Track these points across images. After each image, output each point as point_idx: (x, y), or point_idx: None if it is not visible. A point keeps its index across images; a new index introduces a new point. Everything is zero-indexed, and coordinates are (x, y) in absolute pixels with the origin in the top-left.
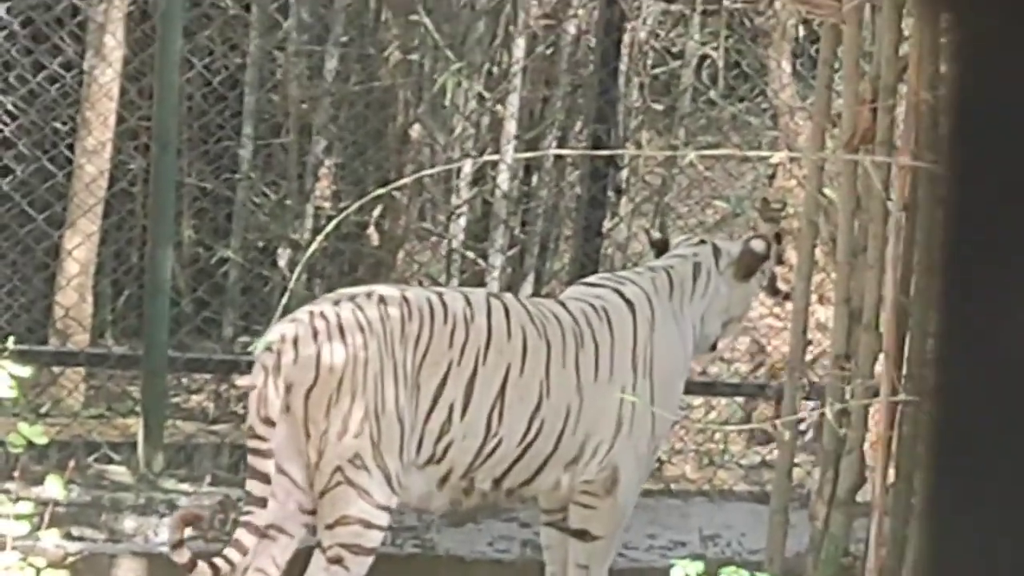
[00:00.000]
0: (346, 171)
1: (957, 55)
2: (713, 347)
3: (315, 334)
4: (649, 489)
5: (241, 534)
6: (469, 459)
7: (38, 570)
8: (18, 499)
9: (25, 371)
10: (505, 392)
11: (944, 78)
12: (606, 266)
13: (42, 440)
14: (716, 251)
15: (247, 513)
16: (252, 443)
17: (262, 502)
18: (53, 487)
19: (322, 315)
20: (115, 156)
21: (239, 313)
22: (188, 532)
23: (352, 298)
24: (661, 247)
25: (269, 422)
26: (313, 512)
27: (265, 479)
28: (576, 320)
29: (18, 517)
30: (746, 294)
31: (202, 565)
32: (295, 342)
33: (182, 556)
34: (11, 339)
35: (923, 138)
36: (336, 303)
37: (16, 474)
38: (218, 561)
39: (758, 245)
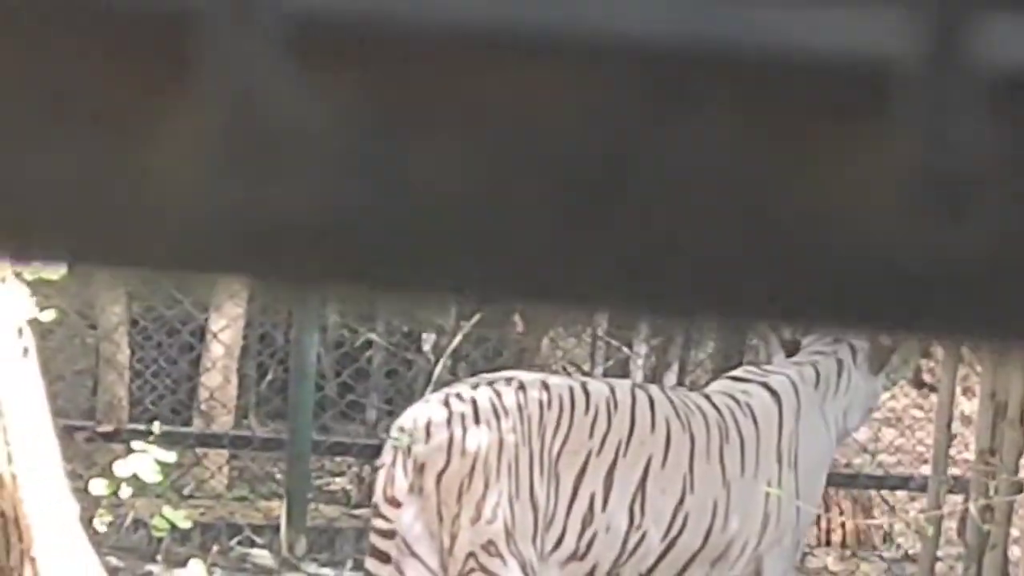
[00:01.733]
0: None
1: None
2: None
3: (449, 417)
4: None
5: None
6: (614, 555)
7: None
8: None
9: (170, 456)
10: (646, 485)
11: None
12: (750, 357)
13: (185, 524)
14: (852, 348)
15: None
16: (376, 522)
17: None
18: (196, 570)
19: (458, 397)
20: None
21: (383, 397)
22: None
23: (491, 383)
24: (791, 349)
25: (395, 502)
26: None
27: (384, 558)
28: (721, 413)
29: None
30: (878, 387)
31: None
32: (429, 424)
33: None
34: (156, 423)
35: None
36: (474, 387)
37: (159, 557)
38: None
39: (885, 338)
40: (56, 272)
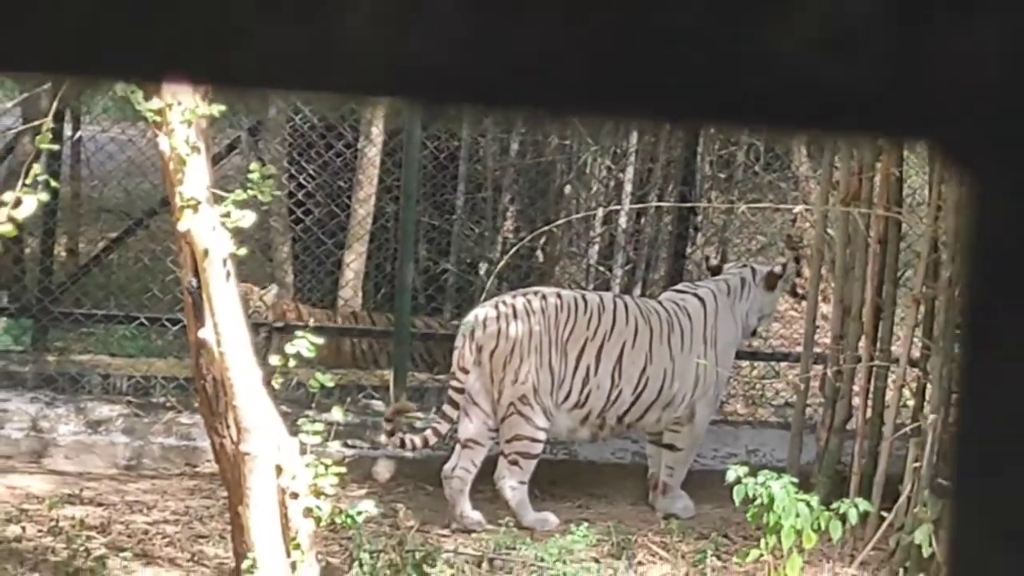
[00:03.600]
0: (523, 215)
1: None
2: (753, 332)
3: (498, 315)
4: (714, 420)
5: (429, 432)
6: (601, 404)
7: (326, 466)
8: (313, 421)
9: (319, 340)
10: (622, 359)
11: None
12: (687, 278)
13: (330, 384)
14: (753, 271)
15: (437, 422)
16: (452, 382)
17: (448, 419)
18: (336, 414)
19: (503, 303)
20: (377, 204)
21: (454, 303)
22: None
23: (524, 294)
24: (715, 270)
25: (463, 370)
26: (496, 431)
27: (456, 406)
28: (669, 312)
29: (314, 433)
30: (773, 299)
31: (396, 438)
32: (485, 320)
33: (389, 428)
34: (311, 320)
35: (891, 196)
36: (513, 296)
37: (313, 405)
38: (406, 440)
39: (777, 268)
40: (246, 222)
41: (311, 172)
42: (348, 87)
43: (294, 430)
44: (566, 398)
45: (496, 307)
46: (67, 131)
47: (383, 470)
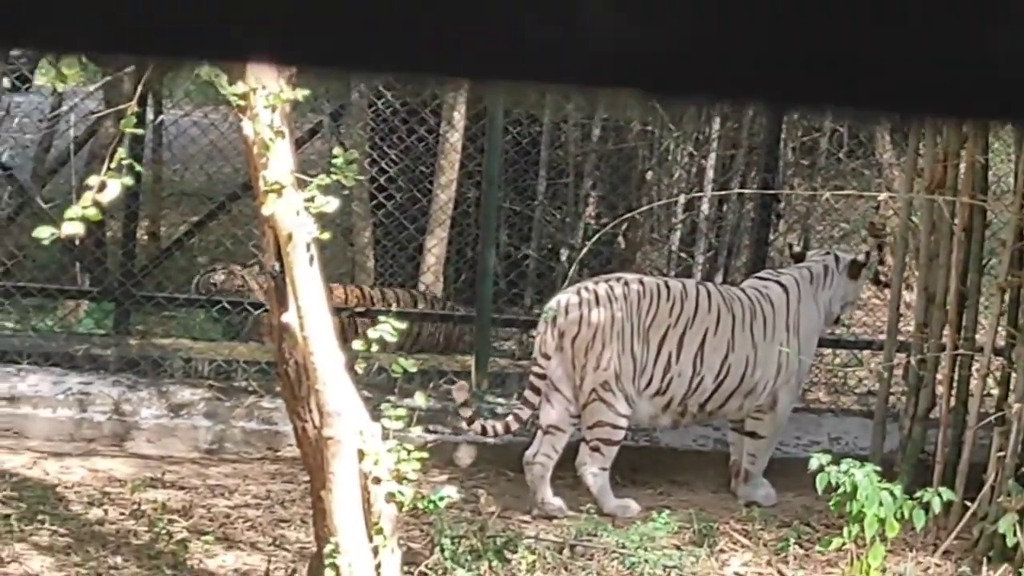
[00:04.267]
0: (604, 201)
1: None
2: (836, 320)
3: (580, 301)
4: (796, 408)
5: (510, 418)
6: (683, 391)
7: (408, 451)
8: (396, 406)
9: (402, 325)
10: (704, 346)
11: None
12: (770, 265)
13: (412, 369)
14: (836, 259)
15: (519, 408)
16: (534, 368)
17: (530, 404)
18: (418, 399)
19: (586, 289)
20: (459, 189)
21: (535, 289)
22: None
23: (606, 280)
24: (798, 257)
25: (545, 356)
26: (578, 417)
27: (537, 392)
28: (751, 300)
29: (396, 418)
30: (856, 287)
31: (477, 424)
32: (567, 306)
33: (466, 413)
34: (393, 305)
35: (976, 184)
36: (595, 283)
37: (395, 390)
38: (487, 426)
39: (860, 257)
40: (330, 207)
41: (393, 157)
42: (588, 79)
43: (375, 415)
44: (648, 385)
45: (579, 293)
46: (149, 115)
47: (464, 455)
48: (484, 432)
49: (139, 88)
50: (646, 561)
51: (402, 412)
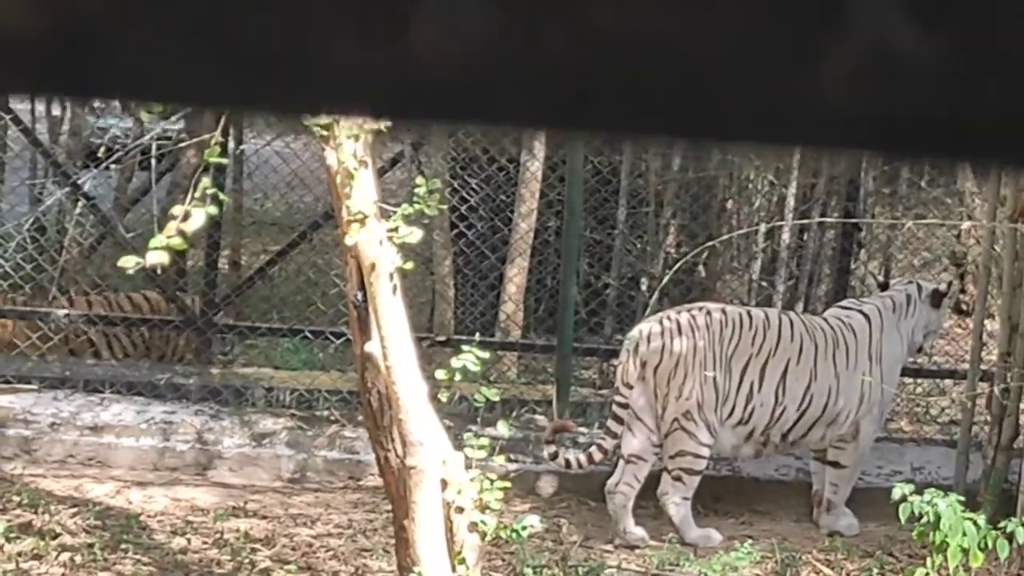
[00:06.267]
0: (685, 229)
1: None
2: (919, 349)
3: (662, 331)
4: (878, 437)
5: (594, 449)
6: (765, 421)
7: (491, 480)
8: (478, 435)
9: (484, 355)
10: (787, 376)
11: None
12: (850, 294)
13: (495, 398)
14: (919, 288)
15: (602, 439)
16: (616, 398)
17: (613, 434)
18: (502, 428)
19: (668, 318)
20: (540, 218)
21: (615, 319)
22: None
23: (688, 309)
24: (883, 286)
25: (628, 386)
26: (660, 446)
27: (620, 421)
28: (834, 329)
29: (479, 447)
30: (939, 316)
31: (561, 459)
32: (649, 335)
33: (550, 449)
34: (477, 334)
35: None
36: (678, 312)
37: (478, 420)
38: (571, 459)
39: (943, 287)
40: (414, 237)
41: (474, 186)
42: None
43: (458, 444)
44: (730, 414)
45: (660, 322)
46: (230, 144)
47: (546, 485)
48: (568, 466)
49: (223, 119)
50: None
51: (484, 441)
